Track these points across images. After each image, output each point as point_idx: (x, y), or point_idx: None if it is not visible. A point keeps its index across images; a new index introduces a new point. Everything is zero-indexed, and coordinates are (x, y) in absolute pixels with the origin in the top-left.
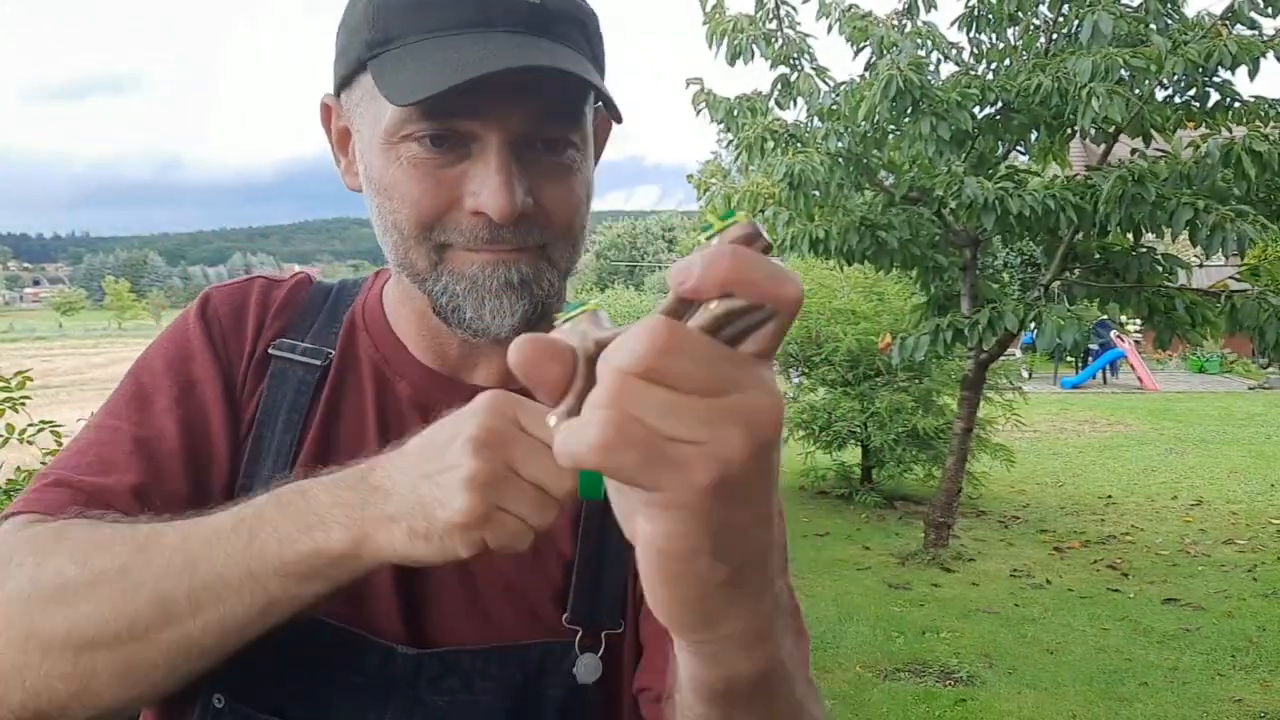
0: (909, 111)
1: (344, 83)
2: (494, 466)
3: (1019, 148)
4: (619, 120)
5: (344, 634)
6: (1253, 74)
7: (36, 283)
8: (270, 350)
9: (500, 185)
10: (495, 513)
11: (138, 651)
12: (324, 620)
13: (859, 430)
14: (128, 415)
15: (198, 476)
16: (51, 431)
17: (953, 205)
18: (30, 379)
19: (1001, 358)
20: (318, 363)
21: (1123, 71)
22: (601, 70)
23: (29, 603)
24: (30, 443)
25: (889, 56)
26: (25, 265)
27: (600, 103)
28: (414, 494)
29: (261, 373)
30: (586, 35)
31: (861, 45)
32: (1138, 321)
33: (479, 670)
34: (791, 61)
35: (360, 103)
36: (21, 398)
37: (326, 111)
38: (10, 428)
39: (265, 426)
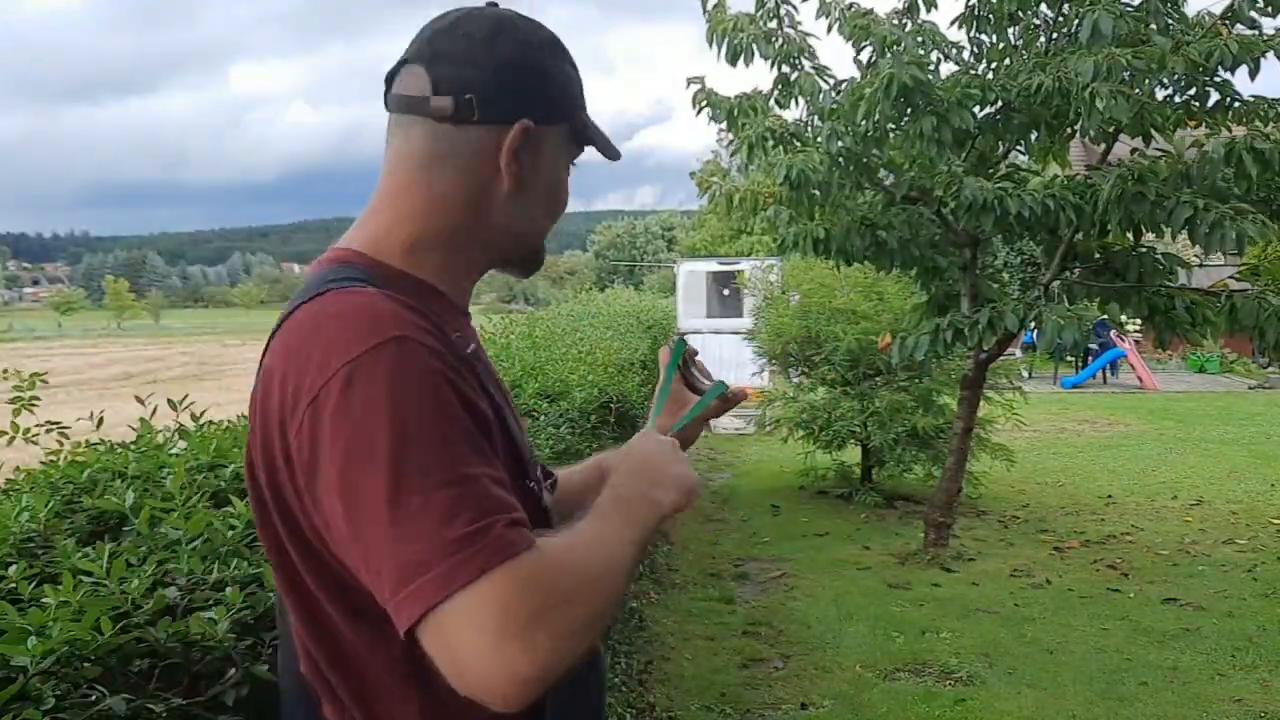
0: (910, 111)
1: (546, 120)
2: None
3: (1019, 147)
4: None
5: None
6: (1253, 74)
7: (36, 282)
8: (465, 354)
9: None
10: None
11: (621, 592)
12: None
13: (859, 430)
14: (462, 465)
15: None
16: (60, 432)
17: (952, 205)
18: (46, 380)
19: (1001, 357)
20: (472, 346)
21: (1124, 73)
22: None
23: (603, 585)
24: (34, 442)
25: (890, 55)
26: (24, 265)
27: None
28: (677, 484)
29: (473, 369)
30: None
31: (863, 45)
32: (1137, 321)
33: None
34: (792, 61)
35: (556, 138)
36: (31, 398)
37: (524, 132)
38: (15, 427)
39: (499, 402)
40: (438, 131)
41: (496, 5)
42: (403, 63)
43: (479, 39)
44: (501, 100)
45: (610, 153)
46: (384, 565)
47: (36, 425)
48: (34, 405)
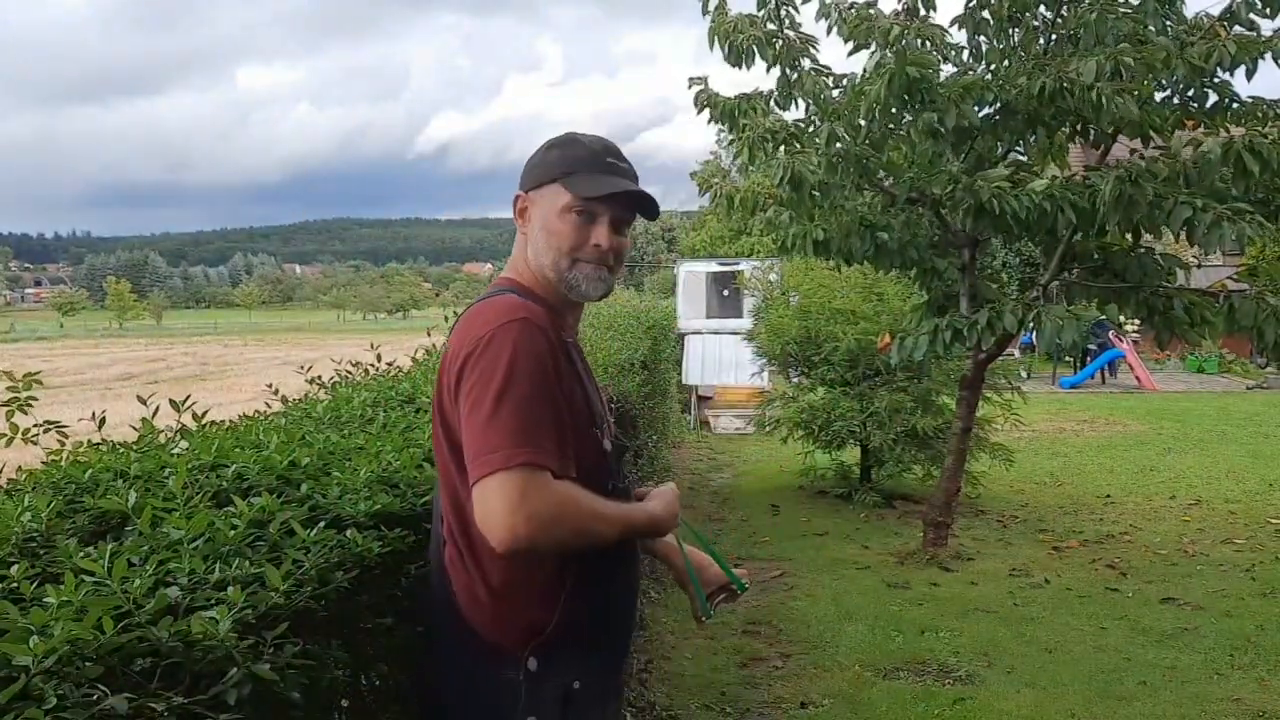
0: (911, 107)
1: (535, 185)
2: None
3: (1018, 149)
4: (652, 219)
5: None
6: (1250, 74)
7: (38, 283)
8: (566, 340)
9: (609, 235)
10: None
11: (599, 539)
12: None
13: (858, 430)
14: (539, 404)
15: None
16: (58, 432)
17: (950, 206)
18: (39, 381)
19: (1000, 358)
20: (571, 339)
21: (1128, 72)
22: None
23: (587, 521)
24: (34, 442)
25: (891, 51)
26: (27, 266)
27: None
28: (667, 512)
29: (567, 349)
30: (638, 181)
31: (863, 43)
32: (1136, 321)
33: None
34: (793, 62)
35: (545, 195)
36: (28, 398)
37: (518, 200)
38: (14, 427)
39: (583, 373)
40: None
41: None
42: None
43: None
44: (521, 188)
45: (583, 190)
46: (474, 443)
47: (35, 425)
48: (29, 405)
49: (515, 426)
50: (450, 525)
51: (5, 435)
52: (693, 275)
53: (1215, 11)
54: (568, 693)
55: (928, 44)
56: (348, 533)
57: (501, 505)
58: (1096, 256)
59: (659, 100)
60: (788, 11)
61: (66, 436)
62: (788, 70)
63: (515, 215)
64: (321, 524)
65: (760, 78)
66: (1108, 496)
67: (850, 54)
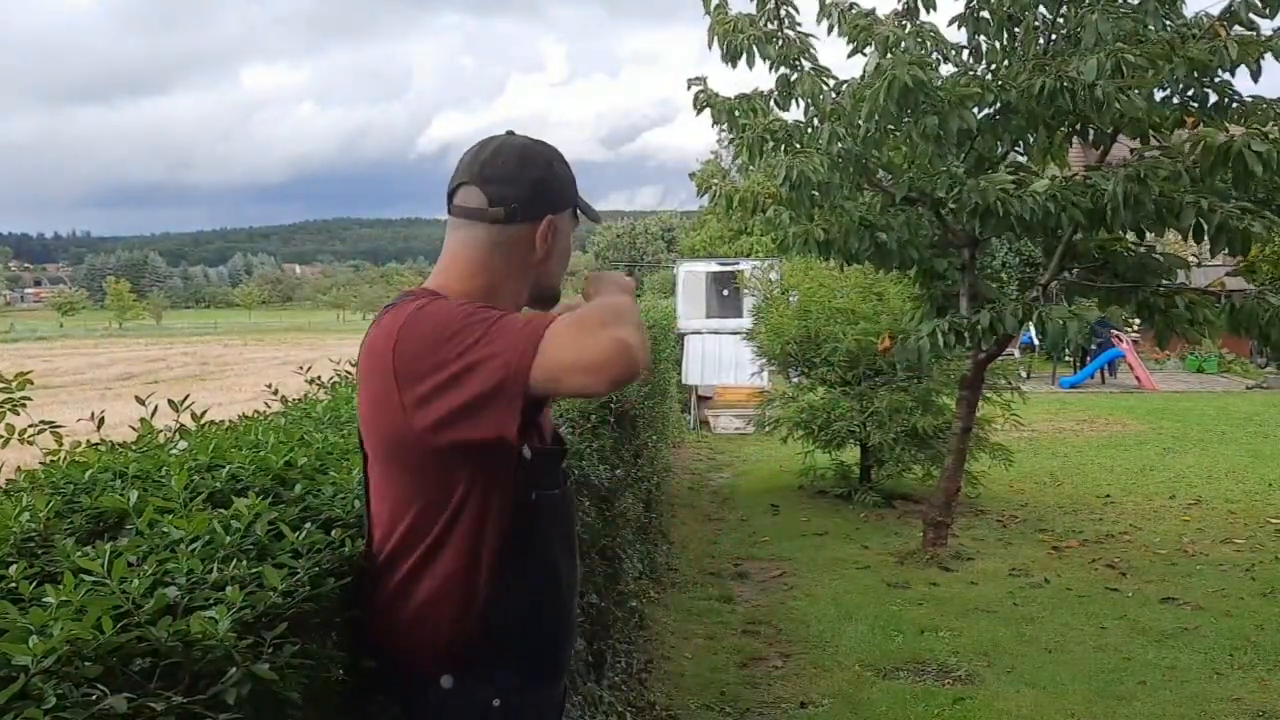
0: (910, 111)
1: (557, 210)
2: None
3: (1017, 148)
4: (596, 221)
5: None
6: (1255, 75)
7: (38, 283)
8: None
9: None
10: None
11: (634, 309)
12: None
13: (858, 430)
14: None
15: None
16: (52, 432)
17: (952, 207)
18: (31, 381)
19: (1000, 357)
20: None
21: (1130, 71)
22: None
23: (623, 307)
24: (31, 443)
25: (892, 56)
26: (26, 265)
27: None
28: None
29: None
30: None
31: (864, 46)
32: (1136, 321)
33: None
34: (792, 62)
35: (566, 219)
36: (22, 399)
37: (550, 224)
38: (10, 428)
39: None
40: (493, 229)
41: (514, 133)
42: (460, 184)
43: (513, 165)
44: (534, 206)
45: (593, 217)
46: (512, 345)
47: (30, 425)
48: (22, 405)
49: (512, 317)
50: (376, 540)
51: (2, 437)
52: (692, 275)
53: (1215, 11)
54: (486, 711)
55: (926, 44)
56: (333, 533)
57: (575, 339)
58: (1097, 256)
59: (661, 101)
60: (788, 11)
61: (62, 437)
62: (787, 70)
63: (539, 238)
64: (310, 525)
65: (760, 78)
66: (1108, 496)
67: (850, 55)
